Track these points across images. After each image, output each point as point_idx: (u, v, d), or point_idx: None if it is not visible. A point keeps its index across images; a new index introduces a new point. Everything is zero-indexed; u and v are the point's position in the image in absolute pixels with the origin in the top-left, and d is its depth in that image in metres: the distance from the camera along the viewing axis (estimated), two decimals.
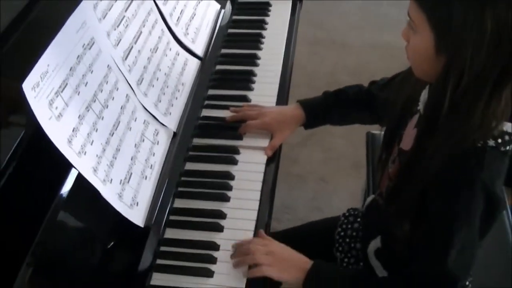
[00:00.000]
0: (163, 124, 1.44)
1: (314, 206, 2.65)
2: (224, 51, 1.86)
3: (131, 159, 1.29)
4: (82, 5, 1.25)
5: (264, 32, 1.93)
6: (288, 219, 2.53)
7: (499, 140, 1.17)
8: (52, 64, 1.12)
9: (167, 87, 1.51)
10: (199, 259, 1.31)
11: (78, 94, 1.18)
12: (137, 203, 1.25)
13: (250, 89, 1.73)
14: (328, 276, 1.30)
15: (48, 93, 1.10)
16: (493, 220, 1.21)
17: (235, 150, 1.54)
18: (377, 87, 1.61)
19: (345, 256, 1.56)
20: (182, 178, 1.47)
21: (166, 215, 1.35)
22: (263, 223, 1.39)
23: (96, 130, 1.21)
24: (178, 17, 1.68)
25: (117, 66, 1.34)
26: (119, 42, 1.38)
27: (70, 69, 1.17)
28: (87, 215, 1.21)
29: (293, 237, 1.66)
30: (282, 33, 1.95)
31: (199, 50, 1.71)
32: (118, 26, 1.39)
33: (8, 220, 1.06)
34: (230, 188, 1.45)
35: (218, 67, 1.80)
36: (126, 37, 1.42)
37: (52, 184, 1.14)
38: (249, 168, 1.51)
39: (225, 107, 1.66)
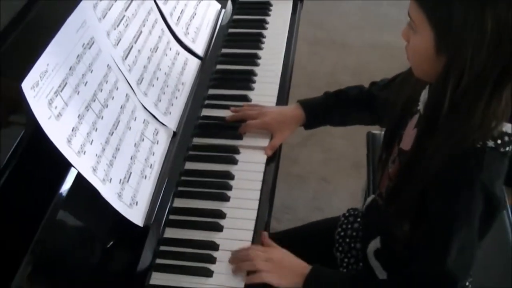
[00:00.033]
0: (163, 124, 1.44)
1: (315, 206, 2.65)
2: (224, 50, 1.86)
3: (131, 158, 1.29)
4: (82, 5, 1.25)
5: (264, 32, 1.93)
6: (288, 219, 2.53)
7: (499, 141, 1.17)
8: (52, 63, 1.12)
9: (167, 86, 1.51)
10: (199, 259, 1.30)
11: (78, 93, 1.18)
12: (137, 203, 1.25)
13: (251, 88, 1.73)
14: (327, 280, 1.30)
15: (48, 92, 1.10)
16: (493, 220, 1.21)
17: (235, 150, 1.54)
18: (378, 87, 1.61)
19: (345, 256, 1.55)
20: (182, 178, 1.47)
21: (165, 214, 1.35)
22: (263, 223, 1.39)
23: (96, 130, 1.20)
24: (179, 17, 1.68)
25: (117, 65, 1.34)
26: (119, 42, 1.38)
27: (70, 69, 1.17)
28: (87, 214, 1.21)
29: (293, 238, 1.67)
30: (283, 33, 1.95)
31: (200, 49, 1.70)
32: (118, 26, 1.39)
33: (8, 219, 1.06)
34: (230, 187, 1.45)
35: (219, 66, 1.80)
36: (126, 37, 1.42)
37: (52, 183, 1.13)
38: (249, 168, 1.51)
39: (226, 107, 1.66)
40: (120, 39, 1.39)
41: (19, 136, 1.14)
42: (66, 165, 1.12)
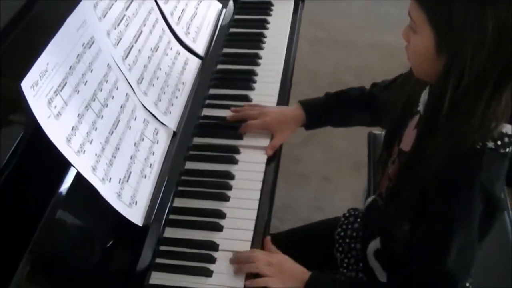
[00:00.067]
0: (163, 123, 1.44)
1: (316, 206, 2.65)
2: (225, 50, 1.86)
3: (131, 158, 1.29)
4: (82, 4, 1.25)
5: (266, 32, 1.93)
6: (290, 219, 2.53)
7: (499, 142, 1.16)
8: (52, 63, 1.12)
9: (168, 86, 1.51)
10: (198, 259, 1.30)
11: (78, 93, 1.18)
12: (136, 202, 1.25)
13: (251, 88, 1.73)
14: (326, 286, 1.30)
15: (47, 92, 1.10)
16: (493, 221, 1.21)
17: (235, 150, 1.54)
18: (379, 89, 1.61)
19: (345, 257, 1.55)
20: (182, 177, 1.46)
21: (165, 214, 1.35)
22: (263, 223, 1.39)
23: (96, 129, 1.20)
24: (179, 16, 1.68)
25: (117, 65, 1.34)
26: (119, 41, 1.38)
27: (70, 68, 1.17)
28: (86, 213, 1.21)
29: (294, 238, 1.67)
30: (284, 33, 1.95)
31: (200, 49, 1.70)
32: (118, 25, 1.39)
33: (7, 218, 1.07)
34: (230, 187, 1.45)
35: (220, 66, 1.80)
36: (127, 36, 1.42)
37: (51, 183, 1.14)
38: (249, 168, 1.51)
39: (226, 107, 1.66)
40: (121, 39, 1.39)
41: (19, 135, 1.14)
42: (65, 165, 1.12)
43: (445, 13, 1.12)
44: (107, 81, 1.29)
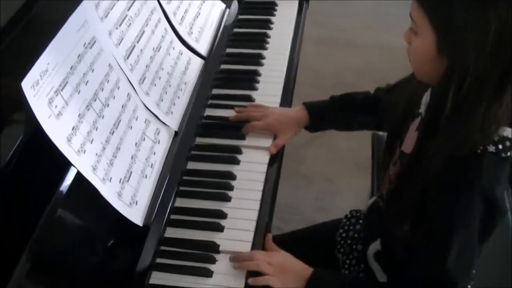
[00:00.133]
0: (164, 123, 1.43)
1: (319, 207, 2.65)
2: (229, 50, 1.86)
3: (131, 158, 1.29)
4: (83, 4, 1.25)
5: (269, 32, 1.93)
6: (293, 220, 2.53)
7: (500, 146, 1.16)
8: (52, 62, 1.12)
9: (170, 86, 1.51)
10: (199, 259, 1.30)
11: (79, 92, 1.18)
12: (137, 202, 1.25)
13: (254, 88, 1.73)
14: (328, 284, 1.30)
15: (48, 91, 1.10)
16: (495, 223, 1.20)
17: (237, 150, 1.54)
18: (383, 92, 1.60)
19: (347, 258, 1.55)
20: (184, 177, 1.46)
21: (166, 214, 1.35)
22: (264, 224, 1.38)
23: (96, 129, 1.20)
24: (182, 16, 1.68)
25: (119, 65, 1.34)
26: (121, 41, 1.38)
27: (71, 68, 1.17)
28: (86, 213, 1.21)
29: (296, 239, 1.67)
30: (288, 33, 1.95)
31: (203, 49, 1.70)
32: (120, 25, 1.39)
33: (8, 217, 1.07)
34: (231, 188, 1.45)
35: (223, 66, 1.80)
36: (128, 36, 1.42)
37: (51, 182, 1.14)
38: (251, 168, 1.51)
39: (229, 107, 1.65)
40: (122, 39, 1.39)
41: (19, 135, 1.14)
42: (66, 164, 1.12)
43: (445, 13, 1.12)
44: (108, 81, 1.29)
